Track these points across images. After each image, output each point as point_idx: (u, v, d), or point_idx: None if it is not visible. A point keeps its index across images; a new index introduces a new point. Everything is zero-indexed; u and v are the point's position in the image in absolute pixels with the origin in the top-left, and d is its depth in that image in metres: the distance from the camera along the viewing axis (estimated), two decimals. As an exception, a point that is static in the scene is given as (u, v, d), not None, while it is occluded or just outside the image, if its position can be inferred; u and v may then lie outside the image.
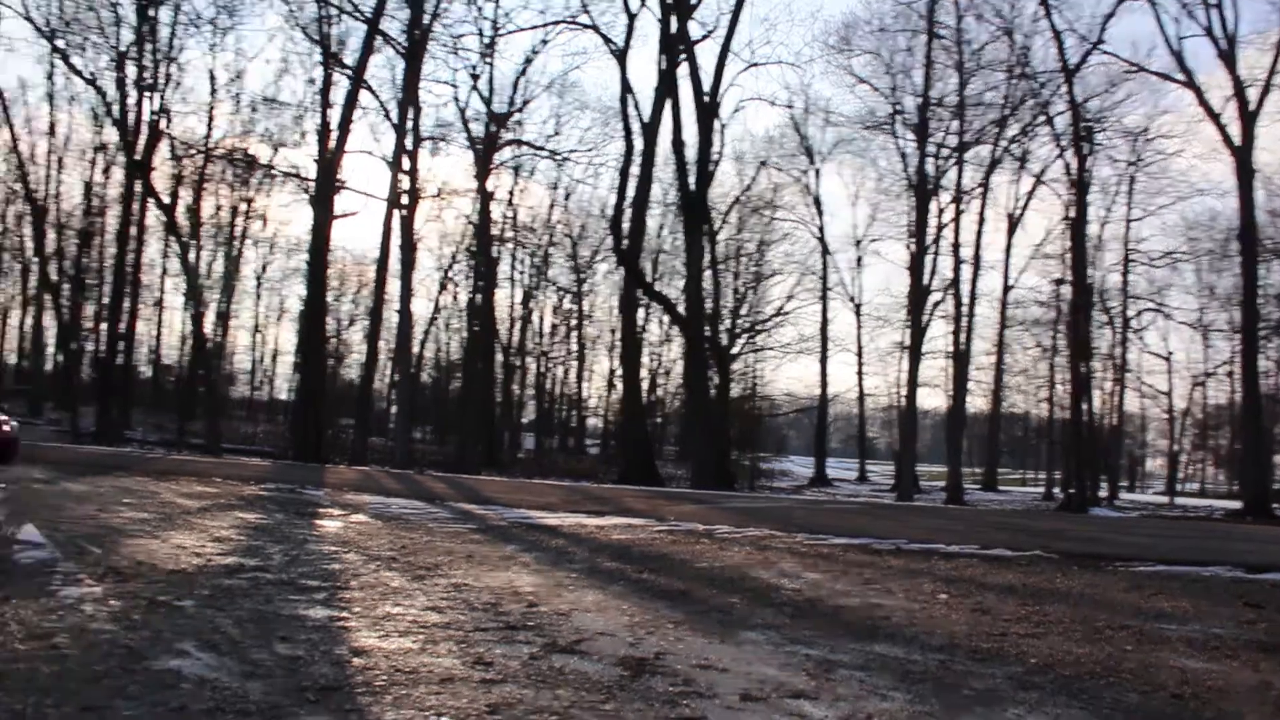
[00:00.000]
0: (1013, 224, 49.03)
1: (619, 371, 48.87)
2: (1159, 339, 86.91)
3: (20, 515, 9.51)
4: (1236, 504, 37.65)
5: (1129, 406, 60.79)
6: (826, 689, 4.28)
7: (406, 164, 33.28)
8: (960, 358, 46.03)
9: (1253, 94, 33.82)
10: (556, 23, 40.43)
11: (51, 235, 44.77)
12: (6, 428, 16.59)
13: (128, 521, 9.67)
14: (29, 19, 37.38)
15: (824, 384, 56.02)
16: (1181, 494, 59.66)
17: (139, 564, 6.88)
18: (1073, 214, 37.28)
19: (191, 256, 43.79)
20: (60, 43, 37.98)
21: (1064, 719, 4.00)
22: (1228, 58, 34.06)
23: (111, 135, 42.72)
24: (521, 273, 55.21)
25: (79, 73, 39.12)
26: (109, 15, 37.37)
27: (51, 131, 46.35)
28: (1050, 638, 5.76)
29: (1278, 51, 33.72)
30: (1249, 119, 33.66)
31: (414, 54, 32.77)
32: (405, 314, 34.08)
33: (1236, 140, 33.84)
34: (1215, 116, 34.71)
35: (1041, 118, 39.50)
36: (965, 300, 46.68)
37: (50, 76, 44.30)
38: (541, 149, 46.40)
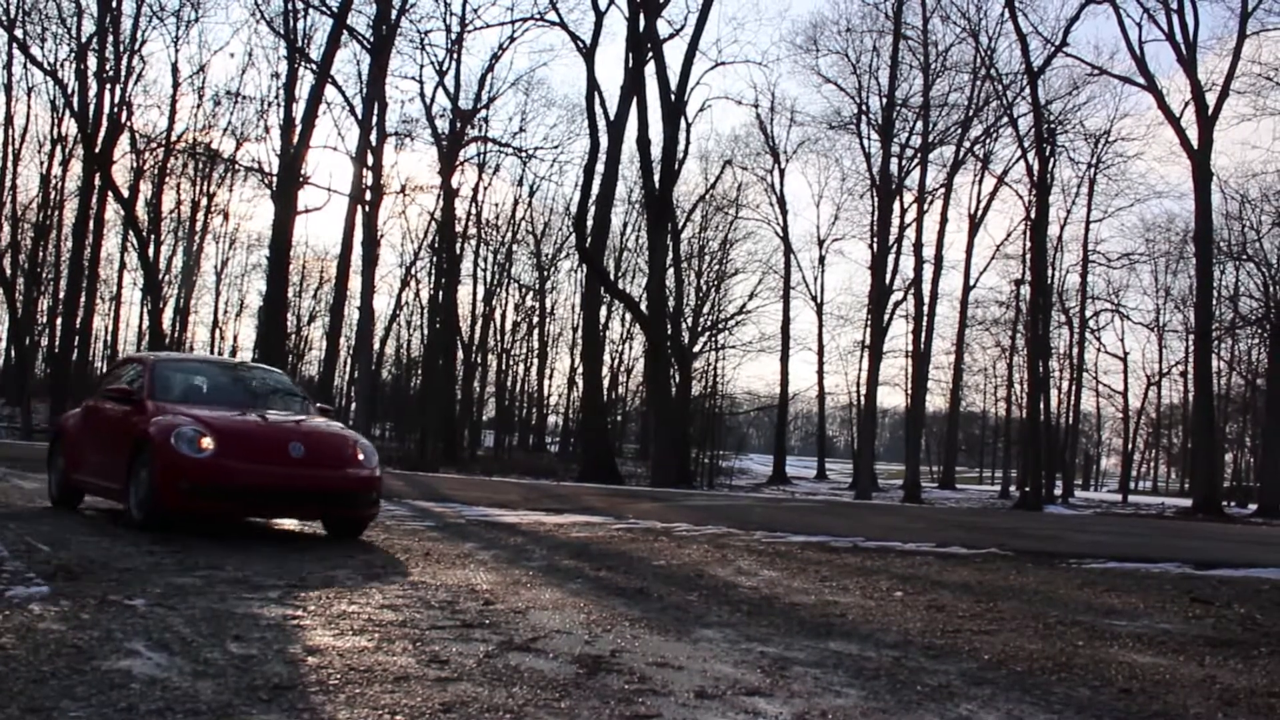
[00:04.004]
0: (974, 224, 49.58)
1: (580, 369, 48.82)
2: (1116, 339, 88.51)
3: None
4: (1187, 501, 38.24)
5: (1085, 405, 61.77)
6: (781, 686, 4.29)
7: (370, 159, 33.02)
8: (920, 357, 46.48)
9: (1211, 98, 34.49)
10: (524, 20, 40.54)
11: (6, 228, 44.13)
12: (360, 456, 9.36)
13: (78, 519, 9.54)
14: (-11, 8, 37.01)
15: (784, 382, 56.34)
16: (1135, 492, 60.53)
17: (90, 561, 6.79)
18: (1034, 215, 37.66)
19: (150, 251, 43.29)
20: (19, 32, 37.54)
21: (1016, 714, 4.04)
22: (1187, 62, 34.57)
23: (71, 127, 42.29)
24: (484, 270, 55.16)
25: (38, 63, 38.69)
26: (70, 6, 37.03)
27: (8, 123, 45.75)
28: (1004, 634, 5.82)
29: (1234, 57, 34.34)
30: (1207, 123, 34.19)
31: (380, 49, 32.52)
32: (367, 310, 33.82)
33: (1195, 144, 34.34)
34: (1175, 120, 35.21)
35: (1005, 119, 39.93)
36: (926, 300, 47.20)
37: (8, 67, 43.71)
38: (507, 146, 46.43)
